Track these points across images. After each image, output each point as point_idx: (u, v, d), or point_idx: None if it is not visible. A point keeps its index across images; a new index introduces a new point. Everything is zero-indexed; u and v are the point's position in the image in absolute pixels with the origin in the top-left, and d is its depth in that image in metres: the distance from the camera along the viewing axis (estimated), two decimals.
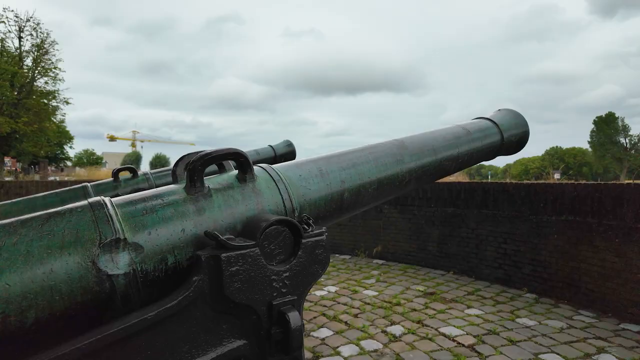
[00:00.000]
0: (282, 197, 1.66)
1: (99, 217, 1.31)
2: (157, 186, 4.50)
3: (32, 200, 3.86)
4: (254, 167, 1.69)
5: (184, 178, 1.63)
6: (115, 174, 4.31)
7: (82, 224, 1.28)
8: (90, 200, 1.39)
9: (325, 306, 4.70)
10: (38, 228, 1.23)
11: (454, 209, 6.22)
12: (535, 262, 5.19)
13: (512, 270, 5.47)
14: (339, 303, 4.81)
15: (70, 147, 53.22)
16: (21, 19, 29.26)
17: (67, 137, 48.90)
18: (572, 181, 5.37)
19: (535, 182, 5.33)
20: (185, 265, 1.40)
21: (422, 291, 5.25)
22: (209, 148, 1.64)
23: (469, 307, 4.66)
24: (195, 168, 1.49)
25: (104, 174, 9.02)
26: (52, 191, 4.04)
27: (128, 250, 1.29)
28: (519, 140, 2.95)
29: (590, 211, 4.59)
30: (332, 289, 5.37)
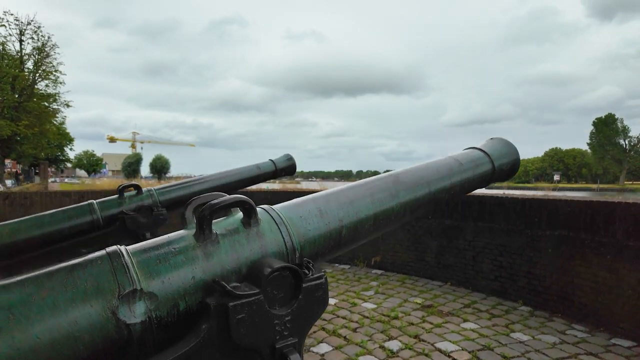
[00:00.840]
0: (284, 239, 1.77)
1: (117, 268, 1.42)
2: (160, 202, 4.62)
3: (40, 218, 3.98)
4: (257, 208, 1.81)
5: (192, 222, 1.75)
6: (121, 191, 4.43)
7: (102, 276, 1.39)
8: (109, 250, 1.51)
9: (324, 320, 4.81)
10: (63, 281, 1.34)
11: (451, 221, 6.33)
12: (530, 275, 5.30)
13: (508, 283, 5.58)
14: (338, 317, 4.92)
15: (71, 149, 53.37)
16: (22, 22, 29.43)
17: (68, 139, 49.03)
18: (566, 197, 5.49)
19: (530, 197, 5.44)
20: (195, 309, 1.51)
21: (420, 304, 5.36)
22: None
23: (465, 320, 4.78)
24: (204, 217, 1.60)
25: (106, 183, 9.16)
26: (59, 209, 4.16)
27: (144, 300, 1.40)
28: (510, 168, 3.07)
29: (583, 227, 4.71)
30: (332, 301, 5.48)
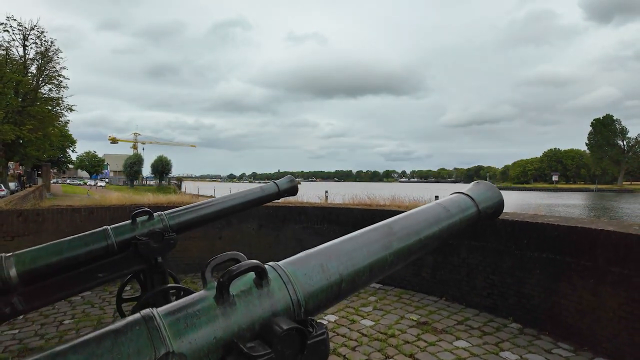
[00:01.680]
0: (291, 297, 2.06)
1: (152, 333, 1.70)
2: (170, 227, 4.90)
3: (59, 245, 4.26)
4: (266, 266, 2.09)
5: (211, 281, 2.04)
6: (133, 216, 4.72)
7: (140, 341, 1.67)
8: (143, 313, 1.79)
9: None
10: (109, 348, 1.63)
11: None
12: (520, 294, 5.59)
13: (500, 300, 5.87)
14: (337, 334, 5.21)
15: (73, 151, 53.69)
16: (25, 27, 29.67)
17: (70, 141, 49.31)
18: (554, 217, 5.76)
19: (520, 220, 5.72)
20: None
21: (416, 320, 5.65)
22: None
23: (457, 338, 5.07)
24: (224, 284, 1.88)
25: (115, 198, 9.45)
26: (75, 236, 4.43)
27: None
28: (494, 211, 3.34)
29: (569, 251, 4.99)
30: (332, 318, 5.78)
